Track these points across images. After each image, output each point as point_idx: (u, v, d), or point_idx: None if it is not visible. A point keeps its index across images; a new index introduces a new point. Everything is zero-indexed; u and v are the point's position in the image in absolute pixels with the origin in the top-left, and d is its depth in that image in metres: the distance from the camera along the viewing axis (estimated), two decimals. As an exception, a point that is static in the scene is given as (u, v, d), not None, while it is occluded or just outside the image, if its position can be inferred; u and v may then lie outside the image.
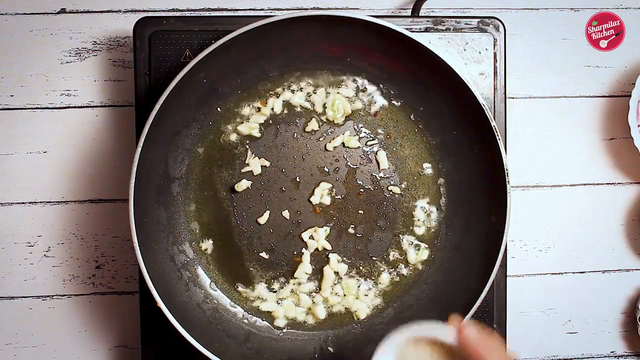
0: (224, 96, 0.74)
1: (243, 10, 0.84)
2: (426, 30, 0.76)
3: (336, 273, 0.77)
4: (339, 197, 0.77)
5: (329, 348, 0.76)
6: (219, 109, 0.75)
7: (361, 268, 0.77)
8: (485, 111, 0.68)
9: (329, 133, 0.77)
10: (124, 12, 0.83)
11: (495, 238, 0.70)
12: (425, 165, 0.77)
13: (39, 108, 0.82)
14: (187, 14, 0.84)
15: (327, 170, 0.77)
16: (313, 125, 0.76)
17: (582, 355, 0.89)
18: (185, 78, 0.65)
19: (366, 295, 0.77)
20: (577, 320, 0.89)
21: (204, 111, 0.74)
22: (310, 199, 0.76)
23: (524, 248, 0.88)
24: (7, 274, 0.83)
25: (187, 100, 0.70)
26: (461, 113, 0.72)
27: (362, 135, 0.77)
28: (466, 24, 0.76)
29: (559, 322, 0.88)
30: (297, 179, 0.76)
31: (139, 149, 0.65)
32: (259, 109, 0.75)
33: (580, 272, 0.88)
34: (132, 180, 0.65)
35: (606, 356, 0.89)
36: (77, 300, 0.83)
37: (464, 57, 0.76)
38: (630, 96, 0.82)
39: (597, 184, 0.88)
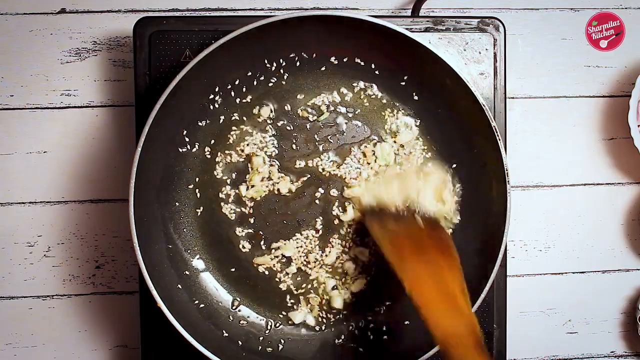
0: (224, 96, 0.74)
1: (243, 10, 0.84)
2: (426, 30, 0.76)
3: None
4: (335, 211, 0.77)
5: (328, 348, 0.76)
6: (219, 108, 0.75)
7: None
8: (485, 111, 0.68)
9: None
10: (124, 12, 0.83)
11: (495, 238, 0.70)
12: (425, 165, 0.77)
13: (39, 108, 0.82)
14: (187, 14, 0.83)
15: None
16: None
17: (582, 355, 0.89)
18: (185, 78, 0.65)
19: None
20: (577, 320, 0.89)
21: (203, 111, 0.74)
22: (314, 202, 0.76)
23: (524, 248, 0.88)
24: (7, 274, 0.83)
25: (187, 100, 0.70)
26: (461, 113, 0.72)
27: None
28: (466, 24, 0.76)
29: (559, 322, 0.88)
30: (299, 180, 0.76)
31: (139, 149, 0.65)
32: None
33: (580, 272, 0.88)
34: (132, 180, 0.65)
35: (606, 356, 0.89)
36: (77, 300, 0.83)
37: (464, 57, 0.76)
38: (630, 96, 0.82)
39: (597, 184, 0.88)
